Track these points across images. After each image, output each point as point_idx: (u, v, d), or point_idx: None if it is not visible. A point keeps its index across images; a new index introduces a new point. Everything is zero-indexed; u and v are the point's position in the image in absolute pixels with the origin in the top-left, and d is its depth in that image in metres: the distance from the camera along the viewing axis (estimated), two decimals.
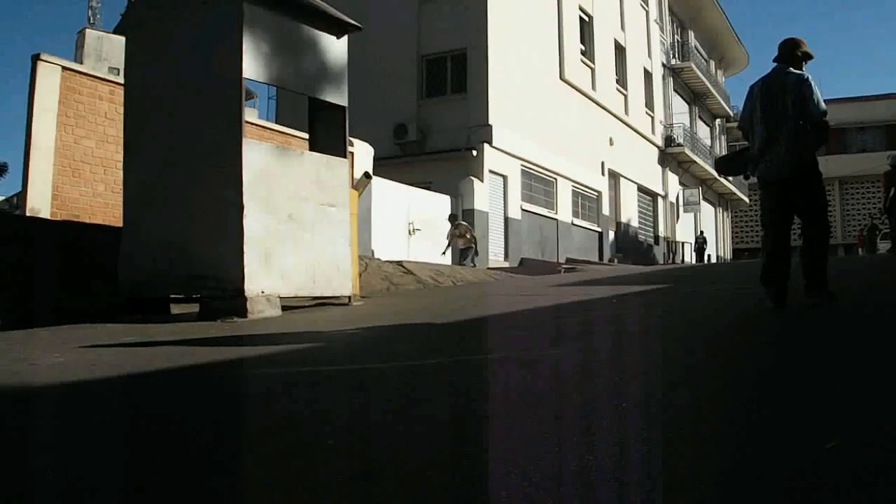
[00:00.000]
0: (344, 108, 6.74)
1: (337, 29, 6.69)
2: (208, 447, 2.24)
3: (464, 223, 14.81)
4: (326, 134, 6.80)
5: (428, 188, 16.23)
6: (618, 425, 2.34)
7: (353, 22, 6.80)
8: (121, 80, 10.92)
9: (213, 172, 5.80)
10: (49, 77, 8.68)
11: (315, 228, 6.21)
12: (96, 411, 2.85)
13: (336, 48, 6.68)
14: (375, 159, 13.38)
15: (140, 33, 6.49)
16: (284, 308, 5.99)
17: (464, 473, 1.84)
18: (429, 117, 17.87)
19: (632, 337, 4.56)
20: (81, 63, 33.12)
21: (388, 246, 13.36)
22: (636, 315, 5.72)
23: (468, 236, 14.50)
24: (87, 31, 37.31)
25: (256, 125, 10.37)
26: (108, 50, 36.02)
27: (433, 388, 3.02)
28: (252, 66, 5.83)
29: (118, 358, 3.98)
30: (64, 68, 9.03)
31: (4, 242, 6.37)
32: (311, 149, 6.90)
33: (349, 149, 7.02)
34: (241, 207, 5.60)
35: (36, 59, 8.65)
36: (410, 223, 14.87)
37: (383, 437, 2.27)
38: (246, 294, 5.59)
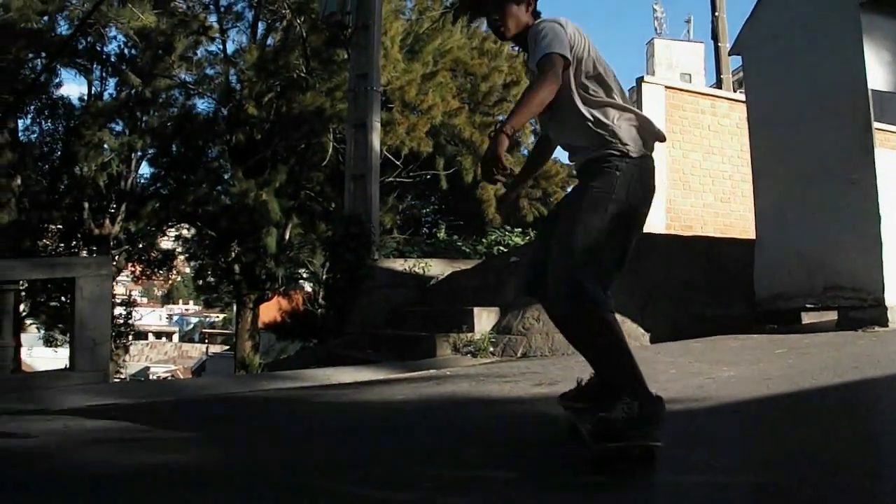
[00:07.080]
0: None
1: None
2: None
3: None
4: None
5: None
6: None
7: None
8: (717, 92, 11.65)
9: (846, 184, 5.90)
10: (654, 97, 9.72)
11: None
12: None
13: None
14: None
15: (756, 54, 6.87)
16: None
17: None
18: None
19: None
20: (653, 72, 35.50)
21: None
22: None
23: None
24: (656, 40, 40.03)
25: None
26: (676, 58, 38.22)
27: None
28: (875, 75, 5.79)
29: (784, 371, 4.23)
30: (666, 87, 10.01)
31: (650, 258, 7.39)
32: None
33: None
34: (877, 218, 5.62)
35: (640, 81, 9.77)
36: None
37: None
38: (886, 304, 5.58)
